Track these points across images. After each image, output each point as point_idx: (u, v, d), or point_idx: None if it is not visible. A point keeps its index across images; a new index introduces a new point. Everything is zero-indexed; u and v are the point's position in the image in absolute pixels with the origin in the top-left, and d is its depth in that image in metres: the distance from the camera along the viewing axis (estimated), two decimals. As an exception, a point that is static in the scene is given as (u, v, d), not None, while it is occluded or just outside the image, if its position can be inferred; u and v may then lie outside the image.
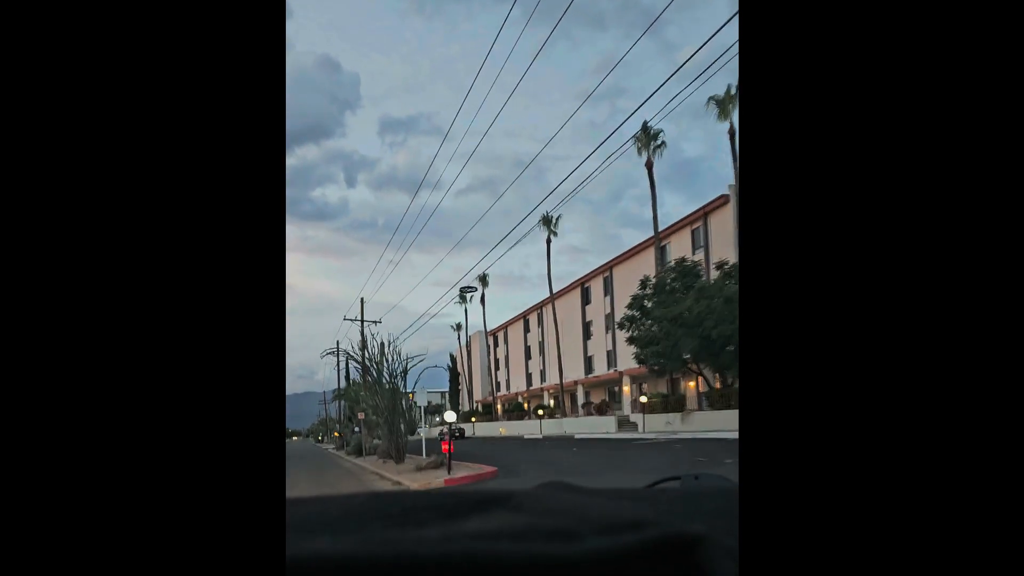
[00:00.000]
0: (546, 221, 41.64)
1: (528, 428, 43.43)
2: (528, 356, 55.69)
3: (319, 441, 69.66)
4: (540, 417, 42.05)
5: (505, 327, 61.67)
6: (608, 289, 42.16)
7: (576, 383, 43.90)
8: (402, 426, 17.88)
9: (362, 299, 25.10)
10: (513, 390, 57.55)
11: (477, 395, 65.73)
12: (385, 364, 18.10)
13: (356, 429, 27.86)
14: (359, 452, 24.86)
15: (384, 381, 17.99)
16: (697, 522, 0.33)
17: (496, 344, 63.48)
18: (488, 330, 61.47)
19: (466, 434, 44.08)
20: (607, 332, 41.28)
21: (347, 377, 39.41)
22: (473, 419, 55.03)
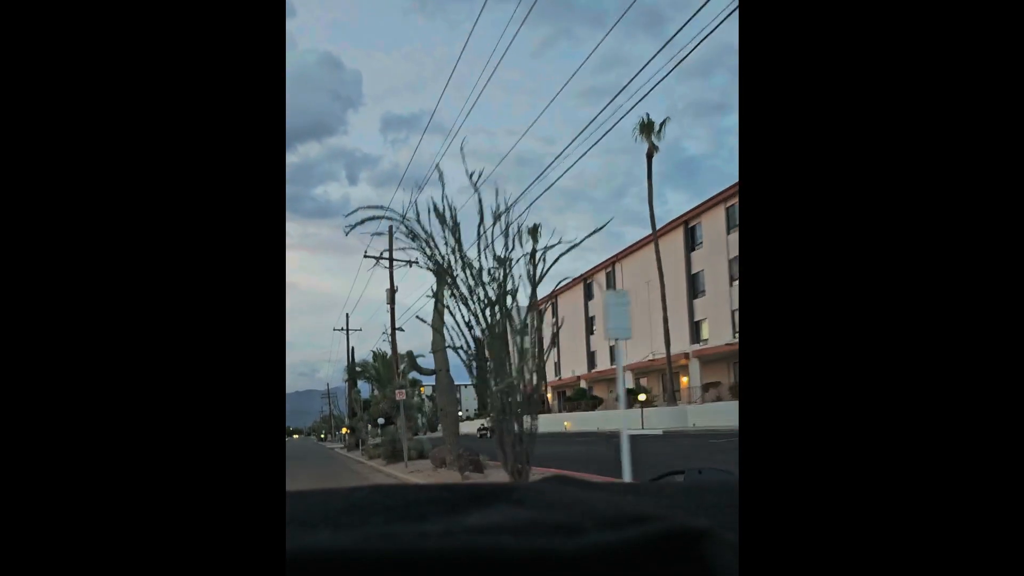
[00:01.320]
0: (646, 128, 29.66)
1: (612, 421, 28.94)
2: (590, 330, 42.60)
3: (322, 439, 65.09)
4: (642, 405, 29.44)
5: (554, 296, 48.43)
6: (736, 222, 28.70)
7: (686, 356, 31.23)
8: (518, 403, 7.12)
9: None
10: (567, 374, 44.85)
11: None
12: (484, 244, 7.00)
13: (380, 422, 21.16)
14: (392, 456, 16.29)
15: (482, 277, 6.91)
16: (700, 516, 0.33)
17: (541, 321, 50.61)
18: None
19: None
20: (733, 283, 29.51)
21: (352, 361, 33.10)
22: (518, 411, 46.48)
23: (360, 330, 37.47)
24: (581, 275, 42.60)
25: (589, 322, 43.07)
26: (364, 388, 34.32)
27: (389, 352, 22.95)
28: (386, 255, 18.99)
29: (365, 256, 19.41)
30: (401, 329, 19.59)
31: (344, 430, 39.36)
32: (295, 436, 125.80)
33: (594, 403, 36.74)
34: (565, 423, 35.71)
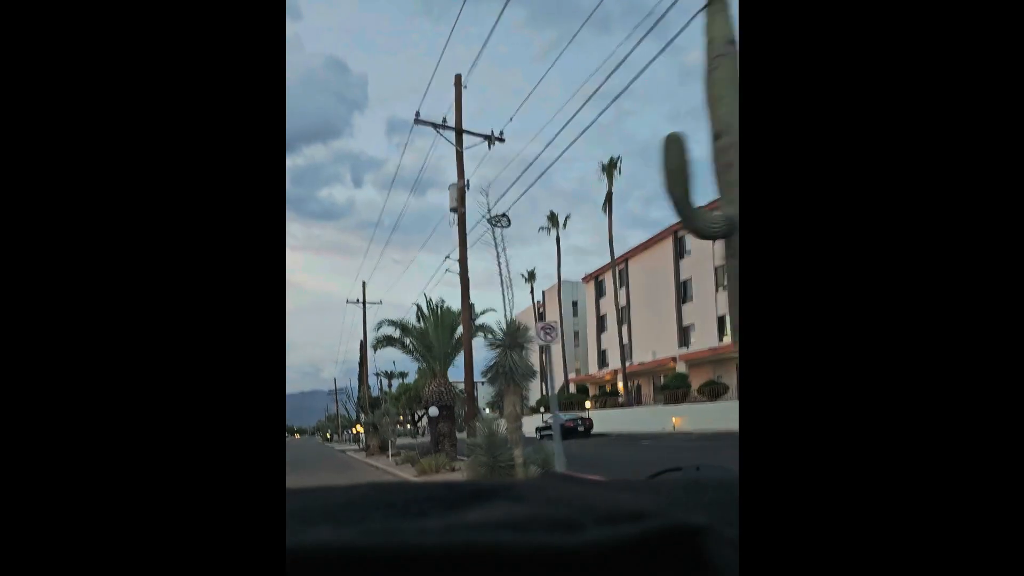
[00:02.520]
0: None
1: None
2: (683, 296, 32.07)
3: (328, 439, 60.83)
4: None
5: (623, 260, 36.10)
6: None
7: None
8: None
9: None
10: (642, 359, 33.88)
11: (570, 370, 39.97)
12: None
13: (432, 413, 13.72)
14: (492, 472, 8.09)
15: None
16: (698, 512, 0.33)
17: (600, 294, 39.33)
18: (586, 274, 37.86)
19: (592, 428, 26.18)
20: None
21: (365, 336, 25.21)
22: (589, 405, 32.67)
23: (380, 303, 28.83)
24: (665, 229, 32.50)
25: (681, 288, 32.18)
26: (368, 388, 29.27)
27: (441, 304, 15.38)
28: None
29: (416, 121, 11.85)
30: (501, 221, 9.49)
31: (357, 428, 31.67)
32: (296, 435, 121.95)
33: (715, 391, 25.92)
34: (674, 420, 25.90)
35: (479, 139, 12.13)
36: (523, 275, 44.36)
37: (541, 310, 41.32)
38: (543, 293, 45.06)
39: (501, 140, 12.10)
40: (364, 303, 25.93)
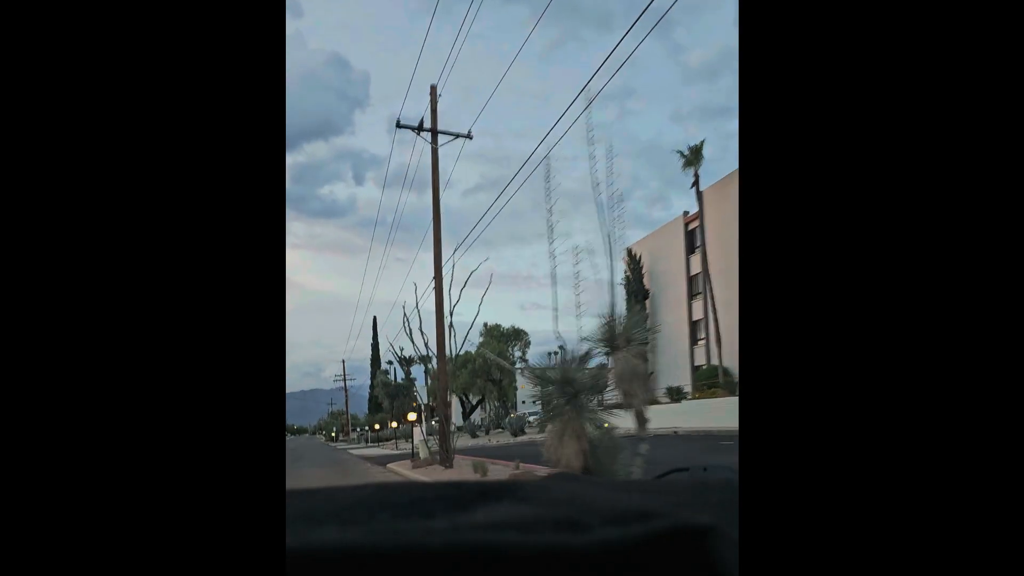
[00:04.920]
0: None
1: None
2: None
3: (333, 438, 56.51)
4: None
5: None
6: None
7: None
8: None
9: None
10: None
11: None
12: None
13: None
14: None
15: None
16: (704, 513, 0.33)
17: None
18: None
19: None
20: None
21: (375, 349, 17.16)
22: None
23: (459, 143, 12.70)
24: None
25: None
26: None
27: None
28: None
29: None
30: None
31: (409, 417, 18.07)
32: (288, 435, 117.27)
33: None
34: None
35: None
36: (681, 153, 25.77)
37: (693, 225, 24.43)
38: (700, 194, 24.98)
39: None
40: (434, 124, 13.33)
